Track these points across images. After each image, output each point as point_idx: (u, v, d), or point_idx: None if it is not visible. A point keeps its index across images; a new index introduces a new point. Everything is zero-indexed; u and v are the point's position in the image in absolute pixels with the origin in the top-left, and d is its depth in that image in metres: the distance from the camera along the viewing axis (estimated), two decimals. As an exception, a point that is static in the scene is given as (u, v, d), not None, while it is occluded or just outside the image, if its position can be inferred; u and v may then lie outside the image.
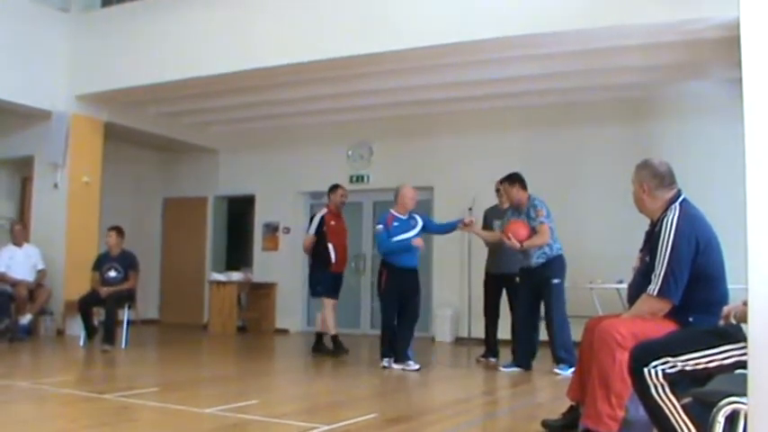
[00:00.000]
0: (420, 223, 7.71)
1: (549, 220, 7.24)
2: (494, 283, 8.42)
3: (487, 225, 8.63)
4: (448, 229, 8.13)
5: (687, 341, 2.55)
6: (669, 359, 2.53)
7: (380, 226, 7.64)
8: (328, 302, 8.72)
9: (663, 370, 2.52)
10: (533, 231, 7.24)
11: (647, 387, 2.55)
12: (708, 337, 2.60)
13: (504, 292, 8.39)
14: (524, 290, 7.49)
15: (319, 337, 8.88)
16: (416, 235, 7.58)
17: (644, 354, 2.58)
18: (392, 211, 7.71)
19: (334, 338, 8.71)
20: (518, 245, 7.20)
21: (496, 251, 8.36)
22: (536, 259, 7.27)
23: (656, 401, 2.55)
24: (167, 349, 10.05)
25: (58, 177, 10.67)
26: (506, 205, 8.20)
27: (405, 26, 8.28)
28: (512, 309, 8.38)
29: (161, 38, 9.94)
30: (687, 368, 2.53)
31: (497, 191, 8.41)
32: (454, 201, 10.71)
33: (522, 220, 7.38)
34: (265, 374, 7.59)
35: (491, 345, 8.40)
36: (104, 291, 9.03)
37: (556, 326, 7.15)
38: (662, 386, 2.53)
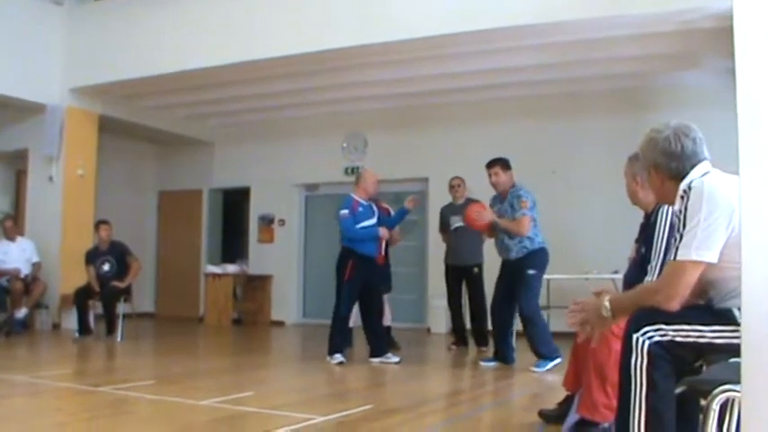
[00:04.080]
0: (377, 212, 7.57)
1: (531, 212, 6.90)
2: (454, 275, 8.79)
3: (444, 223, 8.80)
4: (399, 217, 7.90)
5: (683, 312, 2.55)
6: (662, 326, 2.53)
7: (345, 211, 7.31)
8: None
9: (651, 338, 2.52)
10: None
11: (629, 354, 2.55)
12: (703, 313, 2.61)
13: (464, 283, 8.78)
14: (502, 284, 7.14)
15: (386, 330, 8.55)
16: (376, 223, 7.45)
17: (640, 318, 2.58)
18: (354, 195, 7.48)
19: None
20: (491, 216, 6.93)
21: (454, 244, 8.69)
22: (516, 253, 6.95)
23: (629, 371, 2.55)
24: (163, 342, 10.06)
25: (52, 170, 10.64)
26: (461, 201, 8.53)
27: (400, 17, 8.25)
28: (470, 299, 8.75)
29: (156, 30, 9.90)
30: (678, 338, 2.52)
31: (452, 187, 8.59)
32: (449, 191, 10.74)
33: (480, 202, 7.38)
34: (261, 366, 7.59)
35: (459, 333, 8.87)
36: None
37: (527, 319, 6.82)
38: (641, 359, 2.53)
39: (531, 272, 6.90)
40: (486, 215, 6.98)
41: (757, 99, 1.87)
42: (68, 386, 5.78)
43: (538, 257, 6.98)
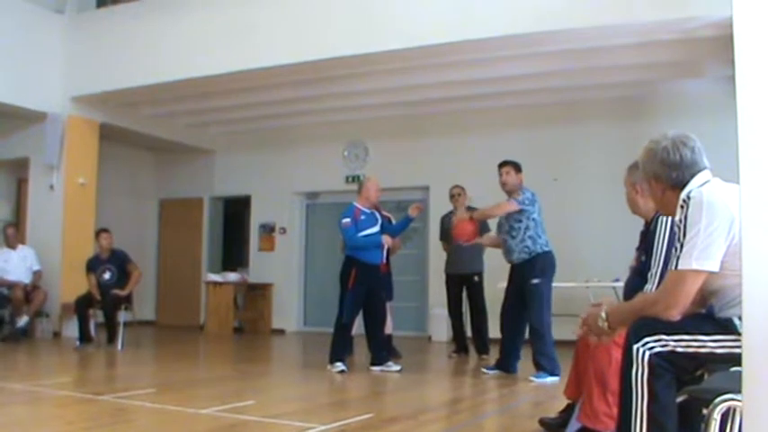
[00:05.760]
0: (380, 220, 7.56)
1: (522, 205, 6.78)
2: (454, 283, 8.86)
3: (445, 231, 8.83)
4: (404, 225, 7.81)
5: (683, 322, 2.55)
6: (663, 337, 2.52)
7: (347, 219, 7.32)
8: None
9: (651, 349, 2.51)
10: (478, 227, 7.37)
11: (630, 365, 2.55)
12: (704, 322, 2.60)
13: (465, 291, 8.83)
14: (510, 289, 7.06)
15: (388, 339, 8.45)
16: (379, 231, 7.42)
17: (640, 327, 2.57)
18: (357, 204, 7.48)
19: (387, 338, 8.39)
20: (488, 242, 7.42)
21: (453, 253, 8.73)
22: (518, 254, 6.85)
23: (630, 381, 2.54)
24: (164, 350, 10.04)
25: (53, 179, 10.65)
26: (462, 209, 8.47)
27: (401, 26, 8.28)
28: (471, 307, 8.83)
29: (156, 39, 9.93)
30: (678, 349, 2.51)
31: (452, 196, 8.66)
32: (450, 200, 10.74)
33: (465, 219, 7.38)
34: (262, 375, 7.58)
35: (460, 341, 8.91)
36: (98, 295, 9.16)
37: (535, 332, 6.77)
38: (642, 370, 2.52)
39: (535, 281, 6.77)
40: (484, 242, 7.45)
41: (757, 106, 1.87)
42: (69, 394, 5.76)
43: (540, 263, 6.84)
